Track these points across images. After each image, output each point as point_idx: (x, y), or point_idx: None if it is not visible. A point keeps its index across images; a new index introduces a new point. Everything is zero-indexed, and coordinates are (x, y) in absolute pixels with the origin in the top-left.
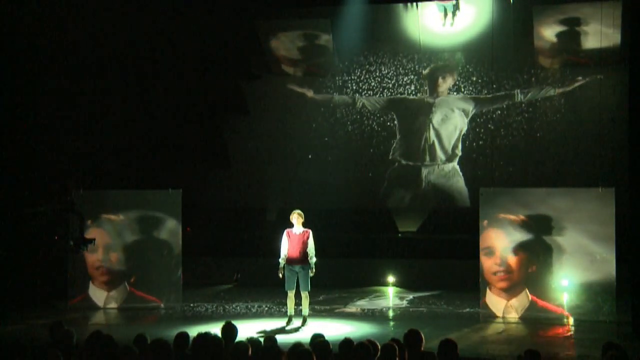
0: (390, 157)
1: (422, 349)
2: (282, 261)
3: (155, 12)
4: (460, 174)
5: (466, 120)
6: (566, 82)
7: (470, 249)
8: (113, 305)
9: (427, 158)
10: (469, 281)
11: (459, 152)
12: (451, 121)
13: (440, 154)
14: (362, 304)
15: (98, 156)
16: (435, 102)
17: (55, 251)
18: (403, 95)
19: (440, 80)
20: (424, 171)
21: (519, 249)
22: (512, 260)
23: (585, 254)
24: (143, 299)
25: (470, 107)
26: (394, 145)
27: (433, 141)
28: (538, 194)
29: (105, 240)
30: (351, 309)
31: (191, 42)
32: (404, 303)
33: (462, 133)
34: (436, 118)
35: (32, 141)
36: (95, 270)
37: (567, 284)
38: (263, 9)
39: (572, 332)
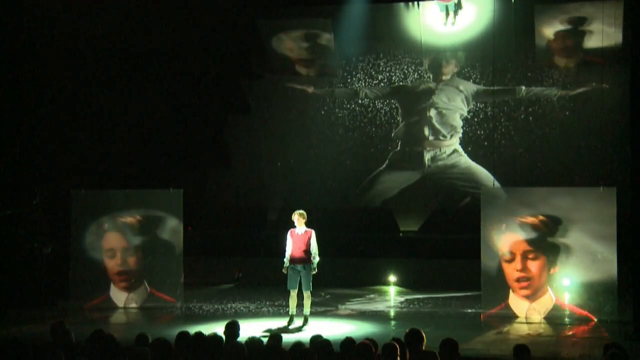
0: (392, 135)
1: (424, 348)
2: (286, 260)
3: (157, 11)
4: (464, 153)
5: (467, 107)
6: (569, 85)
7: (471, 248)
8: (133, 305)
9: (430, 137)
10: (471, 281)
11: (460, 131)
12: (452, 103)
13: (442, 130)
14: (363, 303)
15: (98, 156)
16: (437, 86)
17: (23, 253)
18: (405, 83)
19: (443, 63)
20: (427, 155)
21: (539, 252)
22: (533, 265)
23: (586, 253)
24: (162, 300)
25: (471, 95)
26: (397, 130)
27: (434, 122)
28: (539, 194)
29: (122, 244)
30: (352, 308)
31: (192, 41)
32: (405, 302)
33: (463, 116)
34: (438, 99)
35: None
36: (116, 275)
37: (568, 283)
38: (264, 9)
39: (572, 332)
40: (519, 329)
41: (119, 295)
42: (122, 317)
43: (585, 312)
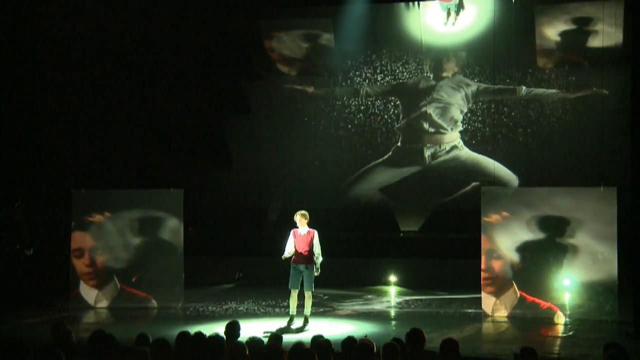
0: (395, 129)
1: (424, 348)
2: (286, 254)
3: (157, 11)
4: (464, 147)
5: (466, 105)
6: (570, 89)
7: (472, 248)
8: (104, 303)
9: (430, 130)
10: (471, 281)
11: (460, 125)
12: (452, 99)
13: (442, 124)
14: (364, 303)
15: (99, 156)
16: (438, 83)
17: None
18: (406, 81)
19: (444, 62)
20: (427, 152)
21: (503, 250)
22: (496, 264)
23: (587, 253)
24: (135, 296)
25: (472, 93)
26: (397, 126)
27: (435, 116)
28: (540, 193)
29: (89, 244)
30: (352, 308)
31: (193, 41)
32: (406, 302)
33: (463, 112)
34: (438, 95)
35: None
36: (84, 275)
37: (569, 284)
38: (264, 9)
39: (572, 332)
40: (521, 328)
41: (89, 292)
42: (122, 316)
43: (548, 304)
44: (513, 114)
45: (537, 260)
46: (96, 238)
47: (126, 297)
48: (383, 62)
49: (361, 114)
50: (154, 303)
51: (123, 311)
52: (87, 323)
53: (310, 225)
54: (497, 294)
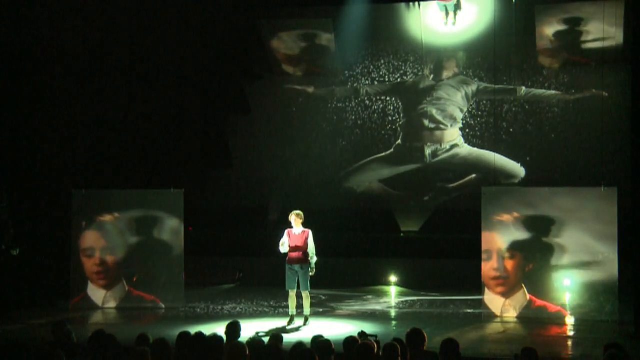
0: (398, 123)
1: (425, 348)
2: (283, 246)
3: (156, 11)
4: (464, 144)
5: (466, 105)
6: (569, 90)
7: (472, 248)
8: (111, 304)
9: (430, 126)
10: (471, 281)
11: (460, 122)
12: (453, 98)
13: (442, 121)
14: (364, 303)
15: (99, 156)
16: (438, 83)
17: None
18: (406, 81)
19: (444, 62)
20: (427, 150)
21: (514, 250)
22: (509, 263)
23: (587, 253)
24: (141, 299)
25: (472, 93)
26: (398, 124)
27: (435, 113)
28: (541, 193)
29: (101, 243)
30: (353, 308)
31: (193, 41)
32: (406, 302)
33: (463, 111)
34: (438, 94)
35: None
36: (94, 274)
37: (569, 284)
38: (265, 8)
39: (572, 332)
40: (521, 328)
41: (97, 293)
42: (122, 316)
43: (558, 308)
44: (512, 128)
45: (543, 260)
46: (107, 238)
47: (133, 299)
48: (383, 62)
49: (362, 114)
50: (161, 305)
51: (124, 311)
52: (90, 323)
53: (309, 225)
54: (508, 294)
